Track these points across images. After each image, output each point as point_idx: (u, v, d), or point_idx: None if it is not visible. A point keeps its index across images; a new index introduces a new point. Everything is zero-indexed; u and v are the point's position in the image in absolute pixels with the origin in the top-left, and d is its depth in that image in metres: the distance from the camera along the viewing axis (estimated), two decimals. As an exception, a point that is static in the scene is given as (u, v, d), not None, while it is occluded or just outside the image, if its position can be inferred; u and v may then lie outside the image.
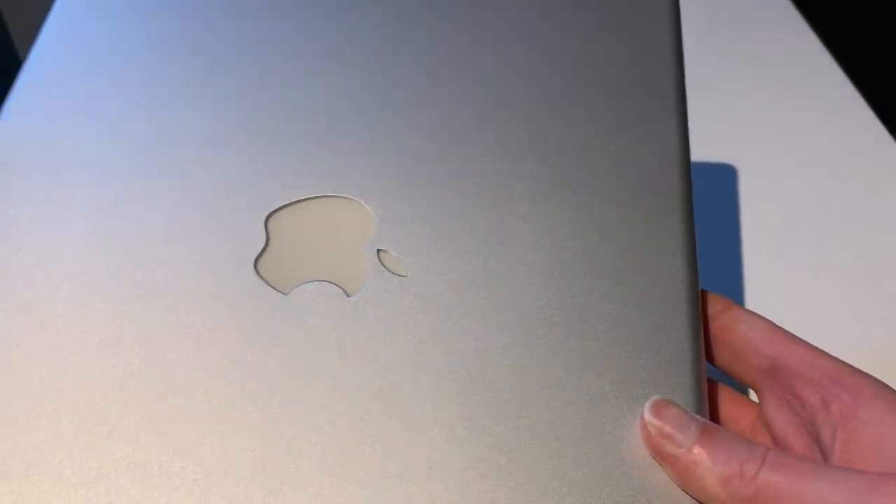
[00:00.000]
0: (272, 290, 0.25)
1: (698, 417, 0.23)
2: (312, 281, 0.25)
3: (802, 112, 0.53)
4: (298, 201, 0.27)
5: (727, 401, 0.27)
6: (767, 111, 0.53)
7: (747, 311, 0.26)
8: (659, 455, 0.22)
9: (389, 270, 0.25)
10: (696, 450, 0.22)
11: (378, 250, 0.26)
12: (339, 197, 0.27)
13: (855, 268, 0.44)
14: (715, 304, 0.26)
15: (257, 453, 0.22)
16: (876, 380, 0.24)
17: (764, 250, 0.44)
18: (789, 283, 0.43)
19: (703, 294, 0.26)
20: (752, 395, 0.27)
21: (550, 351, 0.24)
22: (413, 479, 0.22)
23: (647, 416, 0.23)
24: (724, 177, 0.48)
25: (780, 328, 0.25)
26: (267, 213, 0.26)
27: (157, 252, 0.26)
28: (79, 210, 0.27)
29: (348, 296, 0.25)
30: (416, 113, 0.29)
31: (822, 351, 0.24)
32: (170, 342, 0.24)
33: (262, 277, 0.25)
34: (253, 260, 0.25)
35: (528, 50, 0.31)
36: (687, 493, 0.22)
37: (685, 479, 0.22)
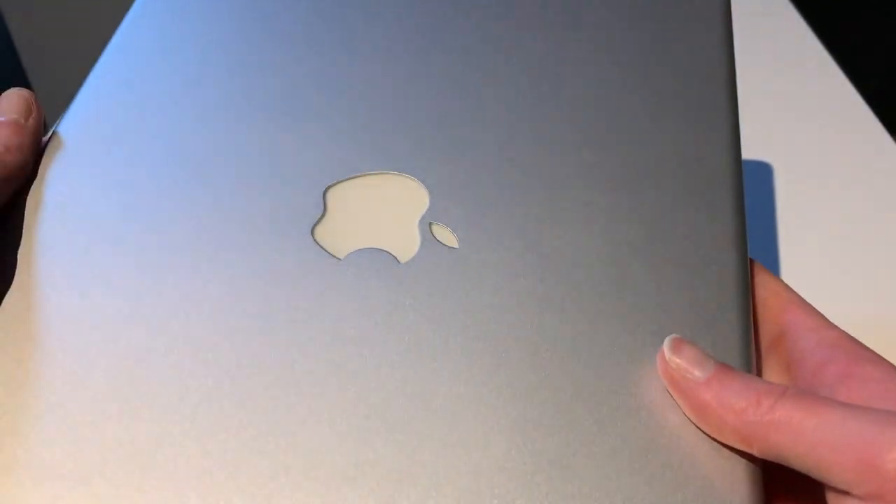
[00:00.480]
0: (327, 255, 0.26)
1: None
2: (366, 248, 0.26)
3: (801, 112, 0.53)
4: (356, 176, 0.28)
5: None
6: (766, 111, 0.53)
7: (770, 276, 0.27)
8: (675, 387, 0.23)
9: (441, 242, 0.26)
10: (714, 382, 0.22)
11: (430, 223, 0.27)
12: (395, 174, 0.28)
13: (855, 267, 0.45)
14: None
15: (305, 411, 0.23)
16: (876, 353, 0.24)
17: (760, 248, 0.45)
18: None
19: (752, 265, 0.27)
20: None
21: (599, 326, 0.24)
22: (458, 444, 0.22)
23: (667, 352, 0.23)
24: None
25: (796, 296, 0.26)
26: (325, 186, 0.28)
27: (220, 216, 0.27)
28: (144, 177, 0.28)
29: (400, 263, 0.26)
30: (475, 97, 0.30)
31: (831, 322, 0.25)
32: (224, 301, 0.25)
33: (317, 243, 0.26)
34: (310, 227, 0.27)
35: (588, 42, 0.32)
36: (702, 429, 0.22)
37: (700, 411, 0.22)
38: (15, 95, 0.29)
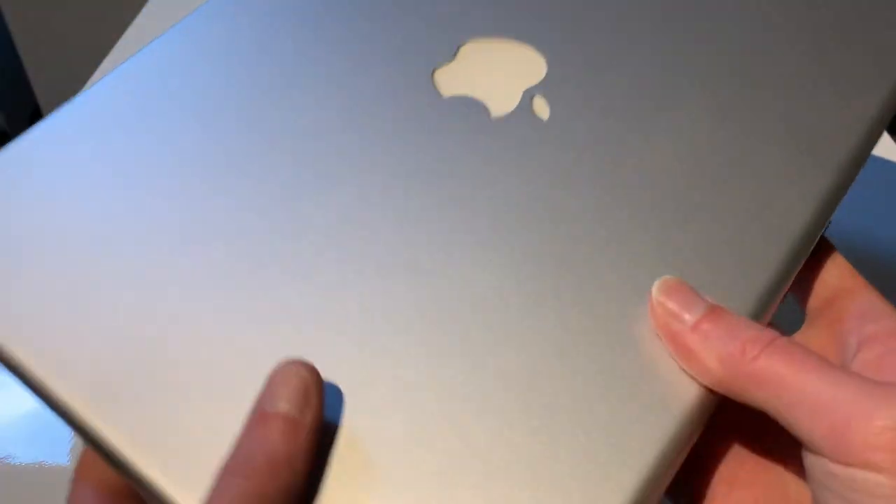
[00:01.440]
0: (434, 92, 0.28)
1: (710, 300, 0.22)
2: (468, 96, 0.28)
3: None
4: (489, 38, 0.30)
5: None
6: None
7: (837, 253, 0.26)
8: (663, 331, 0.22)
9: (533, 111, 0.28)
10: (703, 326, 0.21)
11: (533, 95, 0.28)
12: (526, 45, 0.30)
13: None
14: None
15: (391, 244, 0.25)
16: None
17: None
18: None
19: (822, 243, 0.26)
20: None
21: (636, 227, 0.25)
22: (526, 301, 0.24)
23: (655, 293, 0.23)
24: None
25: (854, 270, 0.25)
26: (460, 41, 0.30)
27: (356, 47, 0.30)
28: (280, 32, 0.31)
29: (490, 116, 0.28)
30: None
31: (882, 297, 0.24)
32: (331, 113, 0.28)
33: (432, 82, 0.29)
34: (431, 69, 0.29)
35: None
36: (687, 372, 0.22)
37: (685, 355, 0.22)
38: (293, 376, 0.20)
